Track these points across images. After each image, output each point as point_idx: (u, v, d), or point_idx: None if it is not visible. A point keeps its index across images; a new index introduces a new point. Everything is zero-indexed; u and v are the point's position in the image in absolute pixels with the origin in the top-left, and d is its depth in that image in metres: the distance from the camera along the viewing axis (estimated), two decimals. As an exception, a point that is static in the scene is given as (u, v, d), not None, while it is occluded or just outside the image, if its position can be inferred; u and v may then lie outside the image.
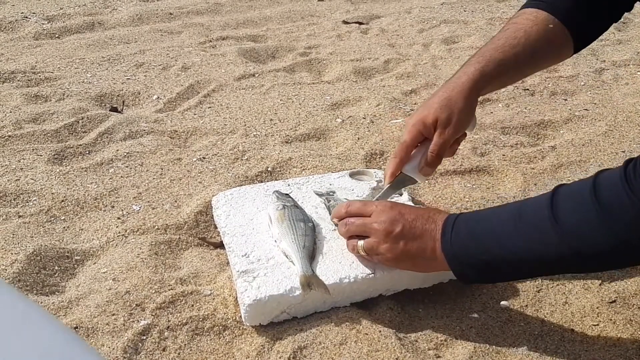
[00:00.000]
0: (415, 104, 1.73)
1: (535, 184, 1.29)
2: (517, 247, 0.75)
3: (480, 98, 1.75)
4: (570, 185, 0.73)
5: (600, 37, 1.04)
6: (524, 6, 1.01)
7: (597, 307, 0.93)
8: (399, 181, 0.98)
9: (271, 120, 1.60)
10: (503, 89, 1.78)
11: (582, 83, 1.87)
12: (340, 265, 0.90)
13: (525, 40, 0.95)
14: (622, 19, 1.04)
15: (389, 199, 0.99)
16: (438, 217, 0.83)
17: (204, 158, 1.37)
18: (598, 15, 0.98)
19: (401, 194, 1.09)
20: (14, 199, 1.18)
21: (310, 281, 0.85)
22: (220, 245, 1.04)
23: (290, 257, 0.90)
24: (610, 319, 0.91)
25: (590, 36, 1.01)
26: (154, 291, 0.93)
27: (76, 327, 0.86)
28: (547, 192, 0.75)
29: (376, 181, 1.14)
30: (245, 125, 1.56)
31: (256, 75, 1.94)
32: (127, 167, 1.33)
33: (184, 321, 0.87)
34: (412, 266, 0.86)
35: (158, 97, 1.73)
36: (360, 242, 0.87)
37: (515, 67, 0.97)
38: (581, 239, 0.69)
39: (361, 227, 0.87)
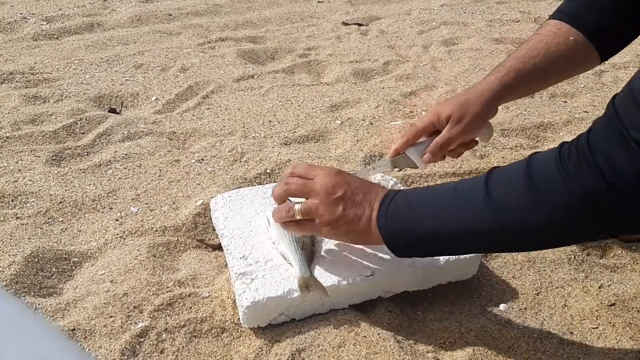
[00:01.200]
0: (414, 105, 1.72)
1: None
2: (449, 221, 0.74)
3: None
4: (506, 166, 0.74)
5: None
6: (550, 17, 1.04)
7: (597, 310, 0.93)
8: (399, 159, 1.03)
9: (270, 121, 1.60)
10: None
11: (582, 85, 1.87)
12: (339, 267, 0.90)
13: (545, 51, 0.99)
14: None
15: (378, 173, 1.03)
16: (380, 190, 0.83)
17: (202, 160, 1.37)
18: (624, 25, 0.99)
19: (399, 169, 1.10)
20: (12, 201, 1.18)
21: (309, 283, 0.85)
22: (219, 247, 1.04)
23: (289, 259, 0.90)
24: (610, 322, 0.91)
25: (615, 46, 1.03)
26: (151, 293, 0.93)
27: (74, 329, 0.85)
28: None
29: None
30: (244, 126, 1.56)
31: (255, 76, 1.94)
32: (125, 168, 1.33)
33: (182, 323, 0.87)
34: (345, 233, 0.83)
35: (157, 98, 1.73)
36: (297, 206, 0.85)
37: (535, 77, 1.00)
38: (512, 215, 0.69)
39: (301, 187, 0.85)
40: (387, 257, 0.92)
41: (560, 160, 0.66)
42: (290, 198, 0.88)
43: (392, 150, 1.03)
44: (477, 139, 1.05)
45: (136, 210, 1.16)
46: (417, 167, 1.03)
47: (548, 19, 1.04)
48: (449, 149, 1.01)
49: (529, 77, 1.00)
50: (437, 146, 0.99)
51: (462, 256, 0.94)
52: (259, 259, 0.92)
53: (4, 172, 1.28)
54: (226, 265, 0.98)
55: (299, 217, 0.85)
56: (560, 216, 0.66)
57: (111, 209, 1.17)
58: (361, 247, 0.94)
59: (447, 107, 1.00)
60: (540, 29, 1.03)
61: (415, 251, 0.82)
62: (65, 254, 1.03)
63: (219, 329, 0.87)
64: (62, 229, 1.11)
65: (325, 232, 0.84)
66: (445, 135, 0.98)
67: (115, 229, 1.10)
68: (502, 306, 0.94)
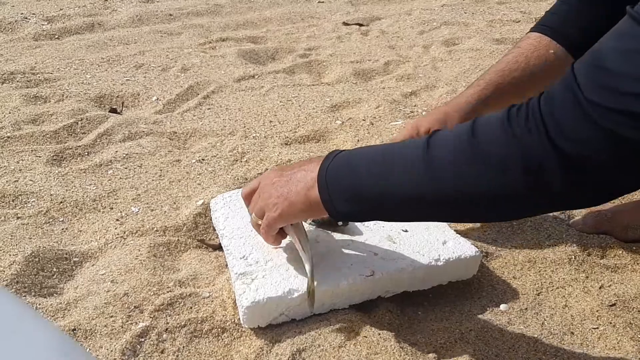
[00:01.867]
0: (415, 105, 1.72)
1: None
2: (387, 181, 0.68)
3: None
4: (448, 130, 0.68)
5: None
6: (531, 30, 1.04)
7: (597, 310, 0.93)
8: None
9: (271, 121, 1.60)
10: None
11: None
12: (339, 267, 0.90)
13: (525, 64, 0.98)
14: None
15: None
16: (322, 156, 0.79)
17: (203, 160, 1.37)
18: None
19: None
20: (13, 200, 1.18)
21: (313, 294, 0.84)
22: (219, 248, 1.04)
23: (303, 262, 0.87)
24: (610, 322, 0.91)
25: None
26: (152, 293, 0.93)
27: (74, 329, 0.86)
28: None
29: None
30: (244, 126, 1.56)
31: (256, 76, 1.94)
32: (126, 168, 1.33)
33: (183, 323, 0.87)
34: (295, 209, 0.77)
35: (157, 99, 1.73)
36: (252, 215, 0.84)
37: (514, 91, 1.00)
38: (447, 175, 0.63)
39: (254, 203, 0.84)
40: (387, 257, 0.92)
41: (508, 121, 0.60)
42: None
43: None
44: None
45: (137, 210, 1.16)
46: None
47: (529, 32, 1.04)
48: None
49: (508, 91, 0.99)
50: None
51: (462, 256, 0.94)
52: (259, 259, 0.92)
53: (5, 172, 1.28)
54: (226, 265, 0.98)
55: (259, 222, 0.83)
56: (497, 179, 0.61)
57: (112, 208, 1.17)
58: (361, 246, 0.94)
59: (425, 121, 0.99)
60: (520, 42, 1.03)
61: (352, 213, 0.74)
62: (66, 254, 1.03)
63: (219, 329, 0.87)
64: (62, 229, 1.11)
65: (279, 217, 0.79)
66: None
67: (115, 228, 1.10)
68: (502, 306, 0.94)
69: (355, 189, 0.71)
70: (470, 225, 1.14)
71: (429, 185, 0.65)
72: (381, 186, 0.69)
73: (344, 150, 0.76)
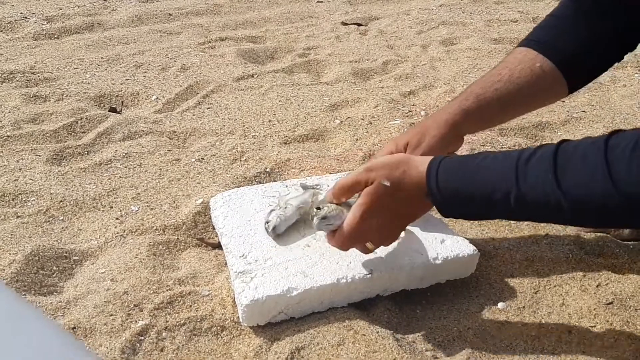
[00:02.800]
0: (413, 105, 1.73)
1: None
2: (504, 189, 0.71)
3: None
4: (578, 141, 0.70)
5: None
6: (518, 45, 1.00)
7: (594, 309, 0.93)
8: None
9: (270, 121, 1.60)
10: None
11: (580, 85, 1.88)
12: (338, 265, 0.91)
13: (508, 77, 0.95)
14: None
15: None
16: (417, 159, 0.81)
17: (202, 159, 1.38)
18: (594, 57, 0.96)
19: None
20: (13, 199, 1.18)
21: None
22: (219, 246, 1.05)
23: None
24: (607, 321, 0.91)
25: (584, 77, 1.00)
26: (152, 292, 0.93)
27: (74, 328, 0.86)
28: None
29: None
30: (244, 126, 1.57)
31: (255, 76, 1.94)
32: (125, 167, 1.33)
33: (182, 322, 0.87)
34: (407, 205, 0.82)
35: (157, 98, 1.74)
36: (369, 244, 0.86)
37: (497, 103, 0.95)
38: (583, 195, 0.65)
39: (353, 238, 0.84)
40: (386, 256, 0.93)
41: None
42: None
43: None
44: None
45: (136, 209, 1.17)
46: None
47: (516, 47, 1.01)
48: None
49: (490, 103, 0.95)
50: None
51: (460, 255, 0.94)
52: (259, 257, 0.92)
53: (5, 171, 1.29)
54: (226, 264, 0.98)
55: (372, 248, 0.87)
56: (632, 202, 0.62)
57: (111, 207, 1.18)
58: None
59: (404, 136, 0.97)
60: (506, 57, 1.00)
61: (465, 214, 0.78)
62: (66, 253, 1.03)
63: (218, 328, 0.87)
64: (62, 228, 1.11)
65: (396, 230, 0.86)
66: None
67: (115, 227, 1.10)
68: (500, 305, 0.95)
69: (471, 193, 0.74)
70: (468, 223, 1.14)
71: (557, 200, 0.67)
72: (495, 194, 0.71)
73: (446, 156, 0.78)
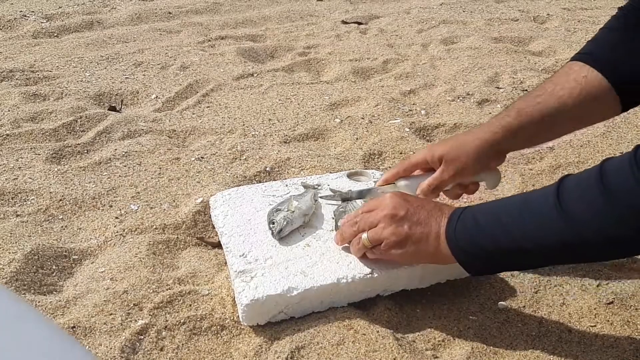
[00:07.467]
0: (413, 104, 1.73)
1: (534, 185, 1.29)
2: (522, 236, 0.73)
3: (479, 98, 1.74)
4: (576, 174, 0.72)
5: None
6: (570, 59, 0.96)
7: (595, 309, 0.93)
8: (388, 189, 1.01)
9: (270, 120, 1.60)
10: (502, 89, 1.78)
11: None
12: (338, 265, 0.91)
13: (552, 89, 0.90)
14: None
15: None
16: (445, 207, 0.83)
17: (202, 158, 1.37)
18: None
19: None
20: (12, 198, 1.18)
21: None
22: (218, 245, 1.04)
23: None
24: (608, 320, 0.91)
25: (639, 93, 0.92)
26: (151, 291, 0.93)
27: (74, 327, 0.86)
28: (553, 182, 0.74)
29: (374, 181, 1.14)
30: (243, 125, 1.56)
31: (255, 75, 1.94)
32: (125, 166, 1.33)
33: (182, 321, 0.87)
34: (415, 253, 0.83)
35: (156, 97, 1.73)
36: (365, 234, 0.87)
37: (540, 118, 0.90)
38: (587, 225, 0.67)
39: (368, 220, 0.86)
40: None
41: (636, 163, 0.63)
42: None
43: (382, 179, 1.01)
44: (482, 183, 1.00)
45: (136, 208, 1.17)
46: None
47: (567, 61, 0.95)
48: (444, 189, 0.98)
49: (533, 118, 0.90)
50: (430, 188, 0.96)
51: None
52: (259, 257, 0.92)
53: (4, 170, 1.28)
54: (226, 263, 0.98)
55: (367, 244, 0.87)
56: (638, 223, 0.64)
57: (111, 206, 1.17)
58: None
59: (441, 147, 0.95)
60: (556, 71, 0.95)
61: (488, 268, 0.82)
62: (65, 252, 1.03)
63: (218, 327, 0.87)
64: (62, 227, 1.11)
65: (394, 254, 0.85)
66: (438, 177, 0.95)
67: (115, 226, 1.10)
68: (500, 304, 0.95)
69: (485, 248, 0.76)
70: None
71: (566, 237, 0.69)
72: (512, 244, 0.74)
73: (466, 208, 0.80)
